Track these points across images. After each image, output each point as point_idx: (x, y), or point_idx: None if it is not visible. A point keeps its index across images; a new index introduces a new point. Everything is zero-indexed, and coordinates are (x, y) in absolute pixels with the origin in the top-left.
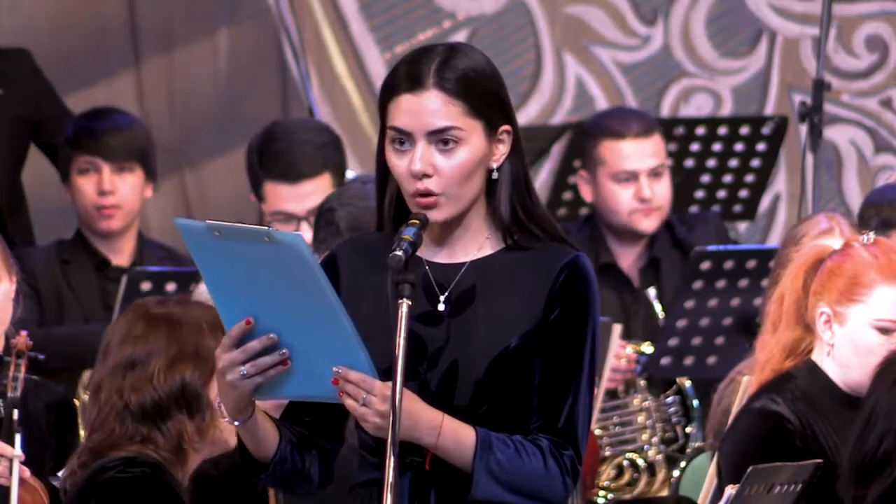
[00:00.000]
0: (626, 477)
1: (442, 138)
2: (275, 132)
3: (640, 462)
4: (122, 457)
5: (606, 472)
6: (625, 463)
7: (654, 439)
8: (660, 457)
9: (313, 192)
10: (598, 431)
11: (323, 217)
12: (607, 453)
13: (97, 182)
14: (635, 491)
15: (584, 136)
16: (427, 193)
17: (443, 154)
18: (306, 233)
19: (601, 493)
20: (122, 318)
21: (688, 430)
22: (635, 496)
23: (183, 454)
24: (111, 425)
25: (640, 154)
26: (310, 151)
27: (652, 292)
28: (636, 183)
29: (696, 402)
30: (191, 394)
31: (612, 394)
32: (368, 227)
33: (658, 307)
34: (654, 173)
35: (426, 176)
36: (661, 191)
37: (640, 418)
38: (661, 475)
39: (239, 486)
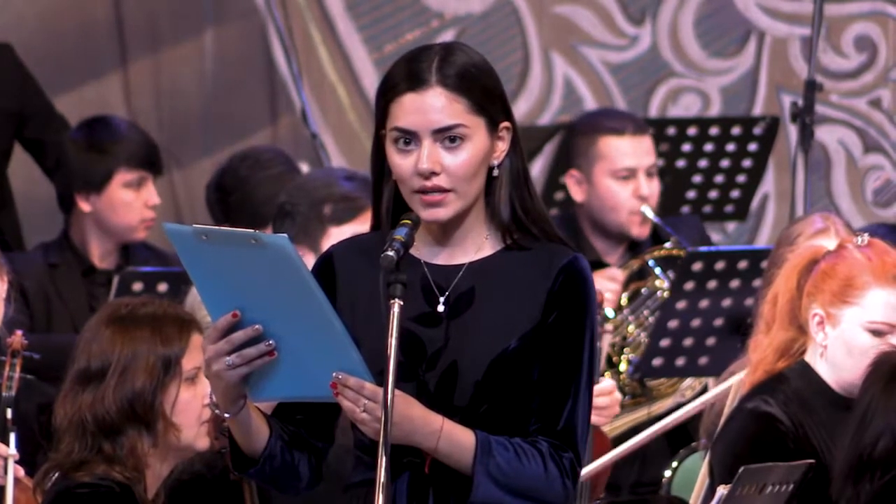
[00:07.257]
0: None
1: (448, 136)
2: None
3: None
4: (87, 482)
5: None
6: None
7: None
8: None
9: None
10: None
11: (278, 214)
12: None
13: (145, 196)
14: None
15: (578, 134)
16: (435, 190)
17: (449, 152)
18: None
19: None
20: (87, 324)
21: None
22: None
23: (140, 471)
24: (72, 442)
25: (639, 151)
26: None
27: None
28: (635, 180)
29: None
30: (142, 407)
31: None
32: (324, 201)
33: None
34: (650, 172)
35: (434, 174)
36: (655, 191)
37: None
38: None
39: (226, 486)
